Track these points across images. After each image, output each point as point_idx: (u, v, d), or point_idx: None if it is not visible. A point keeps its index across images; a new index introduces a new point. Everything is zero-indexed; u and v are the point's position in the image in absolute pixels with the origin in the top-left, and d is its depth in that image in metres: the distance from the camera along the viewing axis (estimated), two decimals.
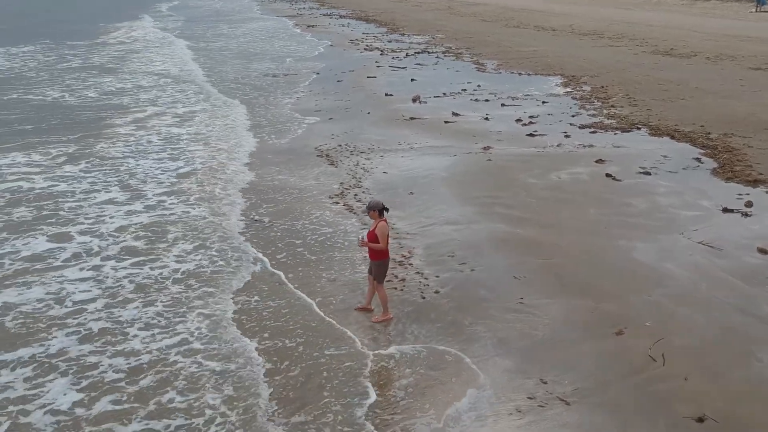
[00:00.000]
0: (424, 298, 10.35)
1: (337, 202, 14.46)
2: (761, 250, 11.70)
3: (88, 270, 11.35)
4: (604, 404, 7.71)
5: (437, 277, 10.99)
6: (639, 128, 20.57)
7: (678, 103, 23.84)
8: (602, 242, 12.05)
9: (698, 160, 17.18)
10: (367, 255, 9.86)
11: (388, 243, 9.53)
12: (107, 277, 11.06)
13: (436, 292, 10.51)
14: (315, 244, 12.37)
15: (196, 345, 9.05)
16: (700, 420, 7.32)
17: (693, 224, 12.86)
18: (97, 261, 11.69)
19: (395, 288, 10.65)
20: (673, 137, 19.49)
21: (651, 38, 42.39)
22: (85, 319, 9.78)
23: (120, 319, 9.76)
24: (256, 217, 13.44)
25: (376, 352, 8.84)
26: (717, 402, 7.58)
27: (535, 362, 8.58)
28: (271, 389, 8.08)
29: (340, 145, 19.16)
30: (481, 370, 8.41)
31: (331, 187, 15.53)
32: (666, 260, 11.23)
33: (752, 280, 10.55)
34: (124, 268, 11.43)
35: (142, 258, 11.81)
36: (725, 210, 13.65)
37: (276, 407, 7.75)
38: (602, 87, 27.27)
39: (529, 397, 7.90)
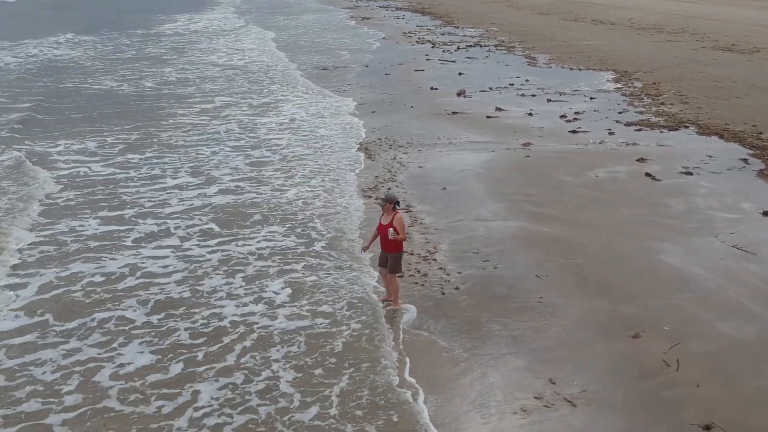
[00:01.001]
0: (443, 294, 10.42)
1: (370, 196, 14.58)
2: None
3: (166, 248, 11.90)
4: (611, 407, 7.66)
5: (459, 273, 11.04)
6: (687, 126, 20.05)
7: (732, 101, 23.11)
8: (631, 243, 11.87)
9: (745, 160, 16.68)
10: (382, 248, 9.85)
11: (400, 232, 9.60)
12: (188, 254, 11.66)
13: (456, 288, 10.56)
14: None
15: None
16: (707, 428, 7.23)
17: (730, 227, 12.54)
18: (176, 241, 12.21)
19: (416, 283, 10.75)
20: (721, 136, 18.95)
21: (713, 33, 41.02)
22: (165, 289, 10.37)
23: (199, 289, 10.31)
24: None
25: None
26: (727, 410, 7.46)
27: (546, 362, 8.57)
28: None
29: (380, 139, 19.27)
30: (491, 367, 8.43)
31: (366, 179, 15.66)
32: (695, 263, 11.00)
33: None
34: (206, 246, 11.91)
35: (224, 238, 12.25)
36: (765, 213, 13.26)
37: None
38: (654, 83, 26.63)
39: (536, 397, 7.92)
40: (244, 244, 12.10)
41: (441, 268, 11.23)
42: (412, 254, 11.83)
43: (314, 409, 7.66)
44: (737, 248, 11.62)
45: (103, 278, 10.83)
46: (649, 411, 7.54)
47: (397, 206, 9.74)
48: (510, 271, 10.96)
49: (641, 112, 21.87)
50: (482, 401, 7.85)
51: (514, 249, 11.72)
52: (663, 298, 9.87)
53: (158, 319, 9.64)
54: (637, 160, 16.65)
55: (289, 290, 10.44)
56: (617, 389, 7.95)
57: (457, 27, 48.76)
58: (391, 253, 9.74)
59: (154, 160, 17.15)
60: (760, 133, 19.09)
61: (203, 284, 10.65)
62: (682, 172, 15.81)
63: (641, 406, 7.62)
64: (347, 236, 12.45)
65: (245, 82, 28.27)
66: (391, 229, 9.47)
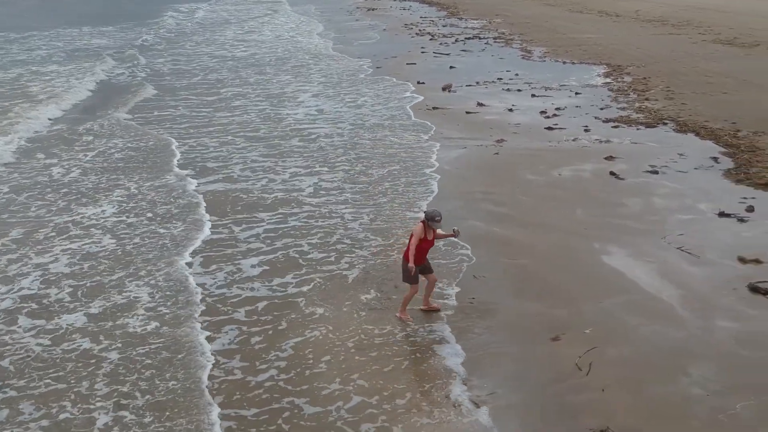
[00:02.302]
0: (381, 292, 10.53)
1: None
2: (741, 260, 11.33)
3: None
4: (514, 410, 7.78)
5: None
6: (666, 123, 19.96)
7: (718, 97, 22.93)
8: (578, 244, 11.93)
9: (715, 159, 16.60)
10: (421, 263, 9.51)
11: (410, 245, 9.39)
12: None
13: (396, 287, 10.68)
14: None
15: None
16: None
17: (682, 228, 12.54)
18: None
19: (360, 281, 10.88)
20: (698, 134, 18.85)
21: (717, 26, 40.52)
22: None
23: None
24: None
25: None
26: (626, 416, 7.54)
27: (465, 363, 8.69)
28: None
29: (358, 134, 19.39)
30: (406, 367, 8.57)
31: (330, 176, 15.82)
32: (636, 266, 11.05)
33: (719, 290, 10.29)
34: None
35: None
36: (721, 214, 13.23)
37: None
38: (644, 78, 26.46)
39: (446, 396, 8.05)
40: None
41: (386, 267, 11.35)
42: (361, 250, 11.98)
43: None
44: (682, 250, 11.63)
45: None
46: (549, 415, 7.65)
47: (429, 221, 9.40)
48: (452, 272, 11.05)
49: (623, 108, 21.78)
50: (392, 400, 7.98)
51: (461, 249, 11.80)
52: (594, 301, 9.94)
53: None
54: (606, 158, 16.65)
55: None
56: (525, 392, 8.07)
57: (461, 18, 48.64)
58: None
59: None
60: (738, 131, 18.95)
61: None
62: (647, 171, 15.78)
63: (544, 410, 7.74)
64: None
65: (232, 71, 28.48)
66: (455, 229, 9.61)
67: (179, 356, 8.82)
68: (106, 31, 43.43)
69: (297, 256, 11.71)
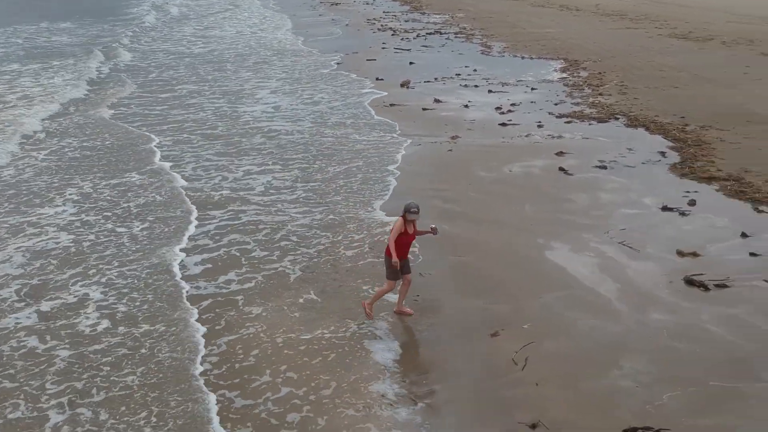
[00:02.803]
0: (322, 292, 10.65)
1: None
2: (679, 253, 11.64)
3: None
4: (449, 406, 7.96)
5: (347, 269, 11.28)
6: (617, 118, 20.31)
7: (670, 91, 23.39)
8: (524, 240, 12.15)
9: (663, 154, 16.98)
10: (403, 258, 9.49)
11: (389, 239, 9.40)
12: None
13: (340, 286, 10.80)
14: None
15: None
16: (534, 426, 7.52)
17: (625, 223, 12.83)
18: None
19: (306, 281, 10.98)
20: (648, 128, 19.23)
21: (674, 20, 41.24)
22: None
23: None
24: None
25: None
26: (558, 410, 7.75)
27: (405, 361, 8.86)
28: None
29: (311, 132, 19.43)
30: (347, 365, 8.70)
31: (286, 174, 15.87)
32: (576, 261, 11.30)
33: (656, 284, 10.57)
34: None
35: None
36: (664, 208, 13.55)
37: None
38: (600, 73, 26.87)
39: (382, 395, 8.19)
40: None
41: (332, 265, 11.46)
42: (308, 248, 12.08)
43: None
44: (623, 245, 11.92)
45: None
46: (484, 409, 7.83)
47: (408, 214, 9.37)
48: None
49: (577, 104, 22.11)
50: (332, 398, 8.10)
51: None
52: (535, 297, 10.15)
53: None
54: (556, 154, 16.92)
55: None
56: (460, 388, 8.24)
57: (424, 13, 48.79)
58: (405, 259, 9.54)
59: None
60: (687, 125, 19.37)
61: None
62: (596, 167, 16.07)
63: (478, 405, 7.92)
64: None
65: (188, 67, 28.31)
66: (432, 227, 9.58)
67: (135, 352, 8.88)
68: (66, 28, 42.76)
69: (238, 254, 11.78)
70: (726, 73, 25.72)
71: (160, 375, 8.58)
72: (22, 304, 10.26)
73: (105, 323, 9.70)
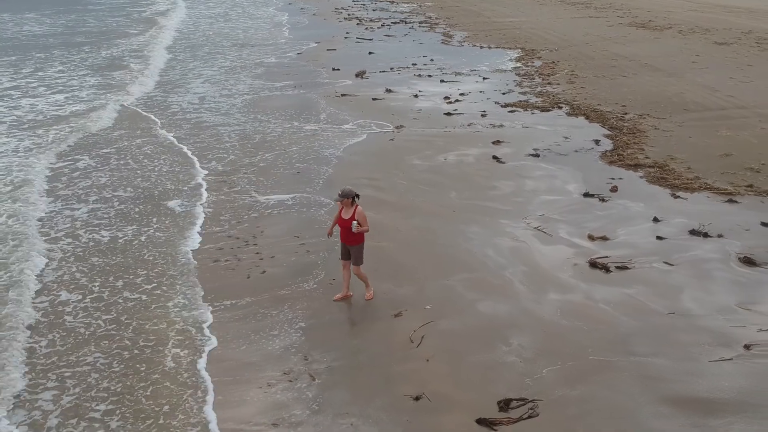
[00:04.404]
0: (248, 277, 11.14)
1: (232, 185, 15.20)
2: (590, 237, 12.23)
3: None
4: (344, 381, 8.48)
5: (273, 257, 11.76)
6: (560, 107, 20.86)
7: (617, 80, 24.00)
8: (442, 226, 12.67)
9: (597, 142, 17.55)
10: (343, 242, 10.00)
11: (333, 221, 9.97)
12: None
13: (263, 272, 11.29)
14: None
15: None
16: (417, 398, 8.07)
17: (545, 209, 13.39)
18: None
19: (229, 268, 11.46)
20: (587, 117, 19.81)
21: (636, 8, 41.94)
22: None
23: None
24: None
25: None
26: (442, 383, 8.31)
27: (309, 341, 9.36)
28: None
29: (260, 120, 19.85)
30: (243, 347, 9.20)
31: (225, 162, 16.32)
32: (488, 245, 11.84)
33: (561, 267, 11.14)
34: None
35: None
36: (585, 195, 14.12)
37: None
38: (553, 62, 27.43)
39: (284, 372, 8.71)
40: None
41: (258, 253, 11.94)
42: (238, 239, 12.55)
43: None
44: (538, 230, 12.48)
45: None
46: (374, 384, 8.37)
47: (356, 199, 9.96)
48: (318, 255, 11.70)
49: (524, 93, 22.66)
50: (233, 378, 8.61)
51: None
52: (441, 280, 10.69)
53: None
54: (493, 143, 17.46)
55: None
56: (358, 365, 8.78)
57: (392, 2, 49.12)
58: (354, 245, 9.98)
59: None
60: (625, 113, 19.98)
61: None
62: (529, 155, 16.63)
63: (370, 380, 8.45)
64: None
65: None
66: (354, 222, 9.75)
67: None
68: None
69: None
70: (674, 62, 26.38)
71: None
72: None
73: None
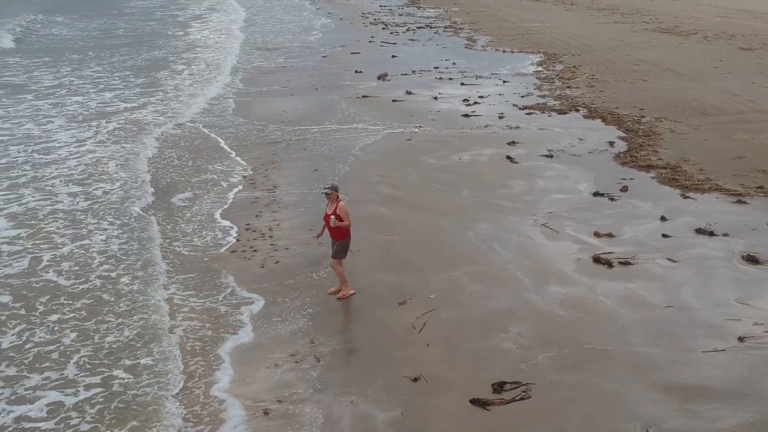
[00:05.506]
0: (263, 267, 11.62)
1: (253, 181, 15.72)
2: (596, 234, 12.49)
3: None
4: (347, 363, 8.92)
5: (286, 249, 12.24)
6: (578, 110, 21.06)
7: (637, 84, 24.11)
8: (451, 222, 13.03)
9: (611, 143, 17.75)
10: (331, 237, 10.23)
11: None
12: None
13: (276, 262, 11.77)
14: None
15: None
16: (415, 380, 8.46)
17: (554, 207, 13.66)
18: None
19: (245, 257, 11.96)
20: (604, 120, 19.99)
21: (663, 14, 41.77)
22: None
23: None
24: None
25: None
26: (437, 366, 8.69)
27: (317, 325, 9.80)
28: None
29: (284, 121, 20.41)
30: (267, 330, 9.67)
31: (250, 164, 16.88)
32: (496, 240, 12.17)
33: (565, 261, 11.43)
34: None
35: None
36: (595, 194, 14.37)
37: None
38: (575, 66, 27.59)
39: (291, 354, 9.15)
40: None
41: (272, 245, 12.43)
42: (254, 231, 13.05)
43: None
44: (545, 226, 12.78)
45: None
46: (374, 366, 8.77)
47: (338, 194, 10.18)
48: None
49: (543, 96, 22.89)
50: (243, 359, 9.08)
51: None
52: (446, 272, 11.05)
53: None
54: (508, 144, 17.75)
55: None
56: (361, 348, 9.21)
57: (419, 7, 49.51)
58: (336, 240, 10.30)
59: None
60: (642, 116, 20.13)
61: None
62: (543, 155, 16.90)
63: (372, 362, 8.86)
64: None
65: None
66: (332, 216, 9.97)
67: None
68: None
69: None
70: (696, 67, 26.38)
71: None
72: None
73: None
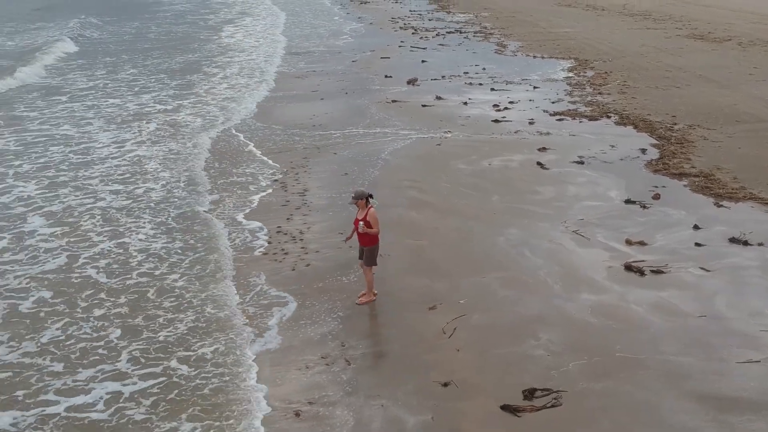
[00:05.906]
0: (293, 269, 11.74)
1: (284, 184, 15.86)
2: (628, 242, 12.41)
3: None
4: (377, 367, 8.98)
5: (317, 252, 12.34)
6: (609, 117, 20.92)
7: (669, 91, 23.87)
8: (481, 227, 13.03)
9: (643, 150, 17.61)
10: (359, 243, 10.27)
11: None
12: None
13: (307, 265, 11.88)
14: None
15: None
16: (446, 384, 8.49)
17: (585, 214, 13.60)
18: None
19: (276, 260, 12.09)
20: (636, 126, 19.83)
21: (696, 20, 41.28)
22: None
23: None
24: None
25: None
26: (467, 371, 8.70)
27: (347, 329, 9.88)
28: None
29: (314, 125, 20.57)
30: (298, 333, 9.77)
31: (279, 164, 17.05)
32: (527, 246, 12.15)
33: (596, 268, 11.37)
34: None
35: None
36: (627, 201, 14.27)
37: None
38: (606, 72, 27.40)
39: (322, 357, 9.24)
40: None
41: (303, 247, 12.54)
42: (285, 234, 13.18)
43: None
44: (576, 233, 12.73)
45: None
46: (406, 370, 8.81)
47: (370, 199, 10.20)
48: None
49: (574, 102, 22.76)
50: (274, 360, 9.19)
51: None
52: (476, 277, 11.06)
53: None
54: (539, 150, 17.70)
55: None
56: (391, 352, 9.25)
57: (449, 12, 49.51)
58: (365, 246, 10.36)
59: None
60: (675, 124, 19.93)
61: None
62: (574, 162, 16.82)
63: (402, 366, 8.90)
64: None
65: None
66: (361, 222, 9.99)
67: None
68: None
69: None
70: (730, 74, 26.04)
71: None
72: None
73: None
